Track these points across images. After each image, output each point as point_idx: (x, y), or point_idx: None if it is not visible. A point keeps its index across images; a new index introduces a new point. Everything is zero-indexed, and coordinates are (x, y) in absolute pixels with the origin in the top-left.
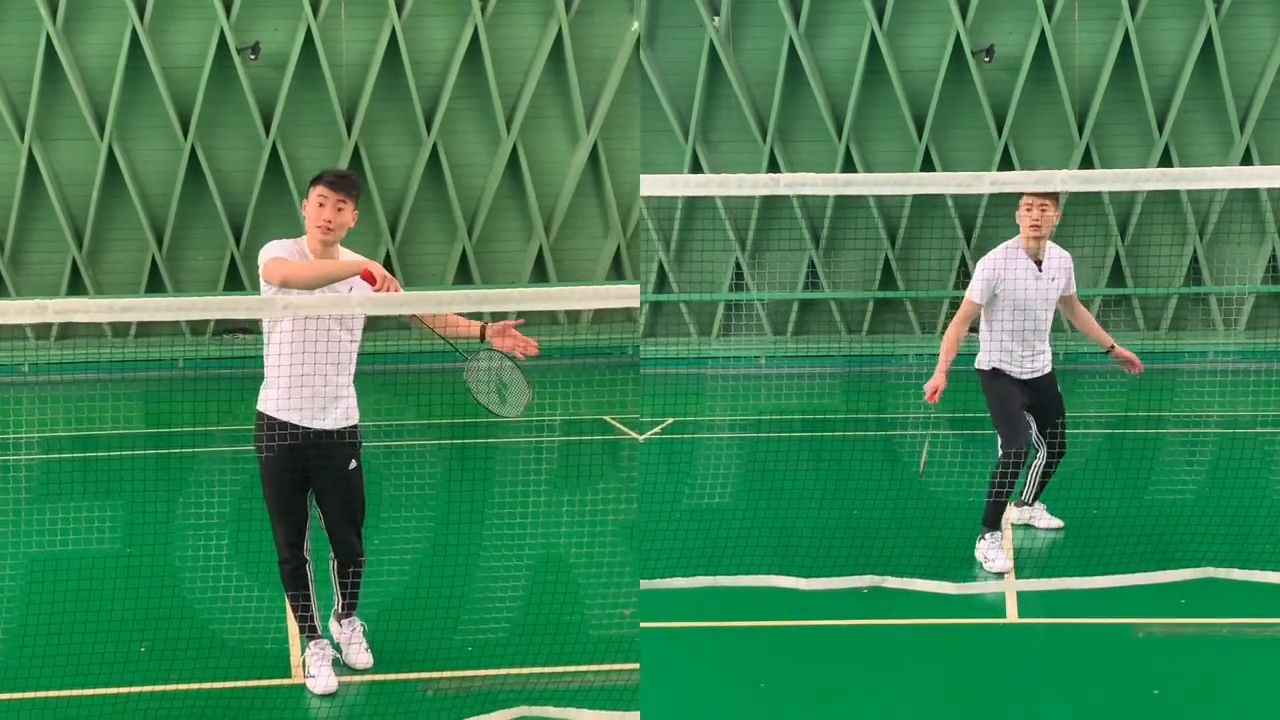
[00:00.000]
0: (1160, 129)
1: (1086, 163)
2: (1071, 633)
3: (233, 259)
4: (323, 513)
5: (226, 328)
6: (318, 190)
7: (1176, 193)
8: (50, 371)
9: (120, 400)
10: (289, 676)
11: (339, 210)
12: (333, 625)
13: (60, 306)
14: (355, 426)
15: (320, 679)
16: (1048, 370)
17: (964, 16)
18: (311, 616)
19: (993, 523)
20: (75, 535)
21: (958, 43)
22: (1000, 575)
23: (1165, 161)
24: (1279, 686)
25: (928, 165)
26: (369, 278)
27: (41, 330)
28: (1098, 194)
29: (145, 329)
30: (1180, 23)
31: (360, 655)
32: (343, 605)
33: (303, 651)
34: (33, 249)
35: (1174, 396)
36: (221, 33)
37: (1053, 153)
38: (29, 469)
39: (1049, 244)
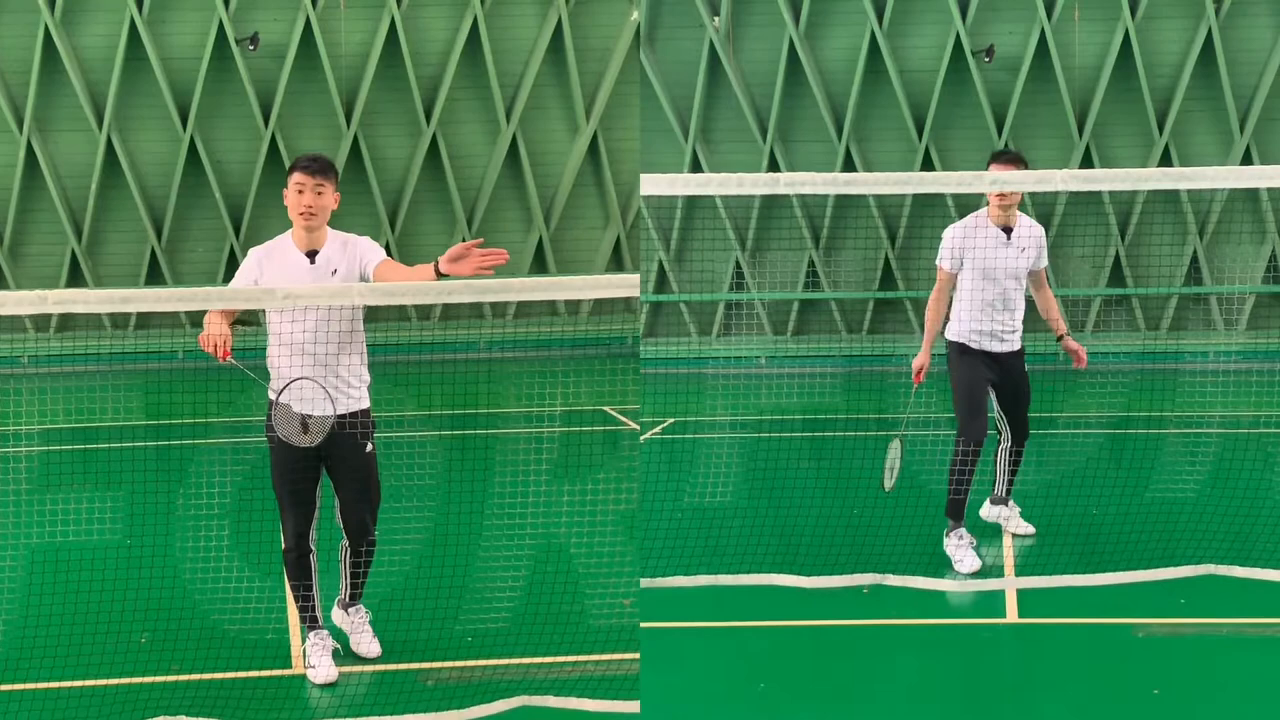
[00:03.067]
0: (1160, 129)
1: (1086, 163)
2: (1071, 633)
3: (232, 250)
4: (339, 497)
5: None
6: (294, 178)
7: (1176, 193)
8: (50, 363)
9: (120, 392)
10: (290, 667)
11: (318, 194)
12: (337, 614)
13: (60, 297)
14: (367, 410)
15: (321, 669)
16: (1017, 348)
17: (964, 16)
18: (314, 606)
19: (956, 514)
20: (75, 526)
21: (958, 43)
22: (972, 575)
23: (1165, 161)
24: (1279, 686)
25: (928, 165)
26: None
27: (41, 322)
28: (1098, 194)
29: (145, 320)
30: (1180, 23)
31: (370, 644)
32: (349, 593)
33: (303, 642)
34: (32, 241)
35: (1174, 397)
36: (220, 24)
37: (1053, 153)
38: (29, 460)
39: (1020, 215)
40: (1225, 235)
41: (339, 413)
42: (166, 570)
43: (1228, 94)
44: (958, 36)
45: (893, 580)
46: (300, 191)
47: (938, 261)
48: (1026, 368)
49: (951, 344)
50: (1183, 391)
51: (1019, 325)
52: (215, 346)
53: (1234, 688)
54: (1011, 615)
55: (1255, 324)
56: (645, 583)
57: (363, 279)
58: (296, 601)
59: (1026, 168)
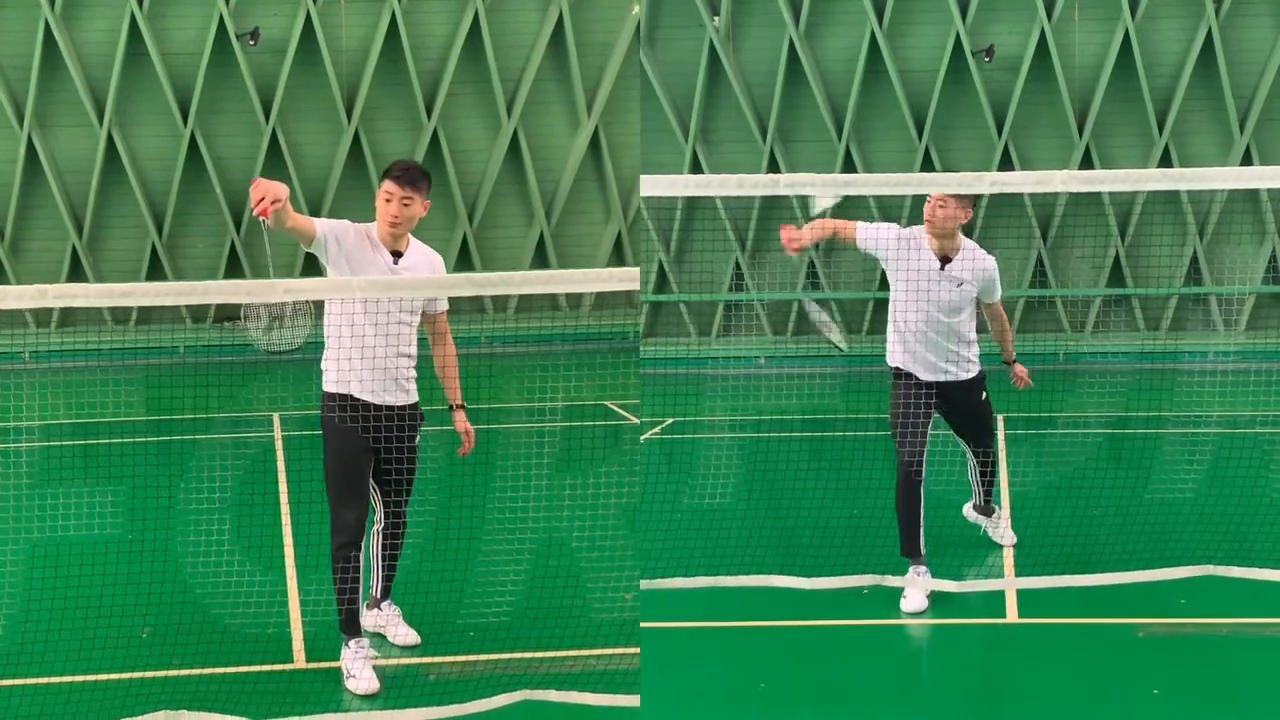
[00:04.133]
0: (1160, 129)
1: (1086, 163)
2: (1071, 633)
3: (233, 246)
4: (382, 483)
5: (227, 314)
6: (385, 186)
7: (1176, 193)
8: (51, 359)
9: (121, 387)
10: (291, 661)
11: (405, 205)
12: (369, 618)
13: (60, 291)
14: (418, 403)
15: (362, 680)
16: (965, 378)
17: (964, 16)
18: (357, 613)
19: (911, 549)
20: (77, 521)
21: (958, 43)
22: (915, 614)
23: (1165, 161)
24: (1279, 686)
25: (928, 165)
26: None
27: (42, 317)
28: (1098, 194)
29: (146, 316)
30: (1180, 23)
31: (408, 634)
32: (381, 587)
33: (303, 644)
34: (33, 237)
35: (1174, 396)
36: (220, 19)
37: (1053, 153)
38: (30, 455)
39: (968, 246)
40: (1225, 236)
41: (398, 404)
42: (168, 565)
43: (1228, 94)
44: (958, 36)
45: (892, 581)
46: (388, 200)
47: (860, 223)
48: (985, 394)
49: (891, 368)
50: (1182, 391)
51: (964, 356)
52: (265, 197)
53: (1234, 688)
54: (1011, 615)
55: (1254, 324)
56: (645, 584)
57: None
58: (341, 607)
59: (964, 200)
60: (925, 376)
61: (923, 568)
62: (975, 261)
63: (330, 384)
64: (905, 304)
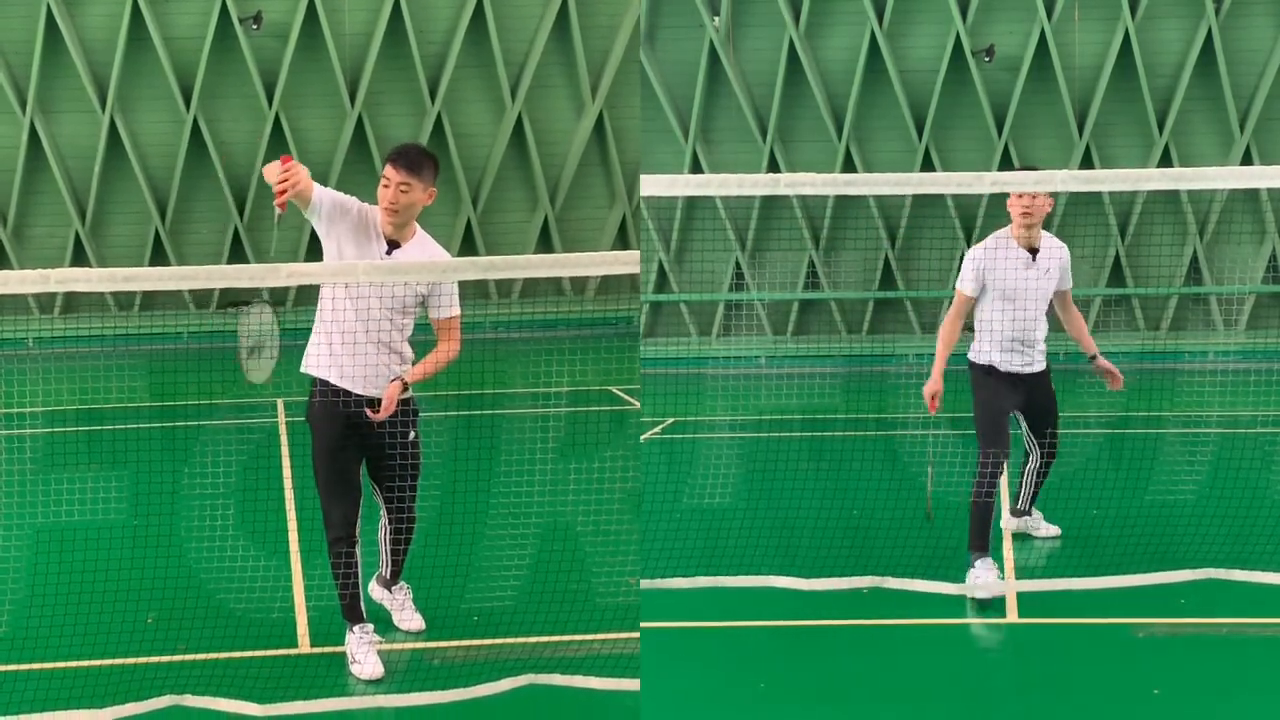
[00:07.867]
0: (1160, 129)
1: (1086, 163)
2: (1071, 633)
3: (236, 231)
4: (380, 481)
5: (231, 300)
6: (385, 170)
7: (1176, 193)
8: (55, 345)
9: (125, 373)
10: (295, 647)
11: (403, 192)
12: (377, 592)
13: (63, 276)
14: (411, 399)
15: (367, 665)
16: (1042, 368)
17: (964, 16)
18: (359, 600)
19: (980, 543)
20: (81, 507)
21: (958, 43)
22: (987, 604)
23: (1165, 161)
24: (1279, 686)
25: (928, 165)
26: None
27: (45, 303)
28: (1098, 194)
29: (149, 302)
30: (1180, 23)
31: (413, 619)
32: (390, 571)
33: (308, 629)
34: (35, 222)
35: (1174, 396)
36: (223, 3)
37: (1053, 153)
38: (34, 441)
39: (1045, 235)
40: (1225, 235)
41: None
42: (172, 550)
43: (1228, 94)
44: (958, 36)
45: (892, 582)
46: (385, 185)
47: (958, 285)
48: (1054, 386)
49: (976, 366)
50: (1182, 391)
51: (1043, 345)
52: (287, 179)
53: (1234, 688)
54: (1011, 615)
55: (1255, 324)
56: (645, 584)
57: (425, 301)
58: (344, 595)
59: (1050, 195)
60: (1014, 369)
61: (988, 559)
62: (1059, 251)
63: (311, 368)
64: (1004, 303)
